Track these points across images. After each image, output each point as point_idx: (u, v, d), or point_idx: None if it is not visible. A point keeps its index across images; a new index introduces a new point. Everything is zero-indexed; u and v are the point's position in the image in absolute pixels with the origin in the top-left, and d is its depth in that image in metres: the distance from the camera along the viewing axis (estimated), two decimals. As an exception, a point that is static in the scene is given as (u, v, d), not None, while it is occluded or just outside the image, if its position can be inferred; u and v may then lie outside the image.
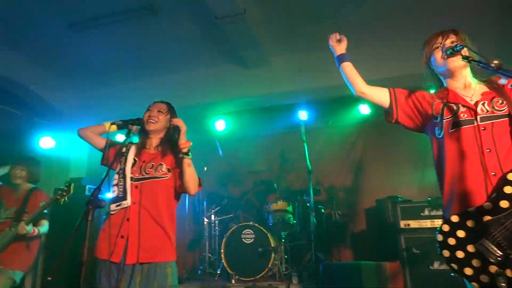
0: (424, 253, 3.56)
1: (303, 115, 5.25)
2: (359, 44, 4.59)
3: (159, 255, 1.94)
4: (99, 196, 1.77)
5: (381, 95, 1.85)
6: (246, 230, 4.43)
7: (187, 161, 2.02)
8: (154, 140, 2.20)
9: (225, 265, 4.33)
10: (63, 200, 2.90)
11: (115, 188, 2.05)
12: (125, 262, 1.88)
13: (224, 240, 4.44)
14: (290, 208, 4.65)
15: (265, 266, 4.19)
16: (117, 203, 2.00)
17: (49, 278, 2.83)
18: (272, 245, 4.28)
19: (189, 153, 2.04)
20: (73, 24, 4.14)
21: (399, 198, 4.15)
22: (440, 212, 3.51)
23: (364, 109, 5.25)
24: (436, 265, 3.48)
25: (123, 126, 2.19)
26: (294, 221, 4.62)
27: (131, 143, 2.23)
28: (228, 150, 5.59)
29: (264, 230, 4.37)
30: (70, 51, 4.70)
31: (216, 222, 5.02)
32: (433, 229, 3.56)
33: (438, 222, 3.58)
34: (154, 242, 1.94)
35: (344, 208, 5.11)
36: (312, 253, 4.27)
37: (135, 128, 2.18)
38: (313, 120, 5.37)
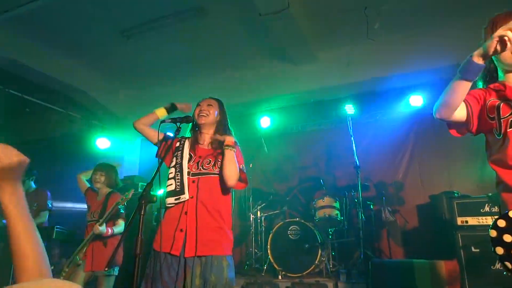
0: (485, 252, 3.32)
1: (350, 109, 5.11)
2: (408, 33, 4.44)
3: (216, 248, 1.97)
4: (151, 191, 1.86)
5: (461, 112, 1.53)
6: (292, 226, 4.42)
7: (230, 152, 2.05)
8: (207, 135, 2.23)
9: (272, 260, 4.34)
10: (123, 204, 3.14)
11: (172, 181, 2.10)
12: (184, 255, 1.93)
13: (270, 236, 4.46)
14: (337, 205, 4.56)
15: (312, 262, 4.15)
16: (176, 197, 2.06)
17: (106, 268, 3.03)
18: (319, 242, 4.23)
19: (234, 145, 2.08)
20: (125, 30, 4.38)
21: (456, 194, 3.90)
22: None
23: (415, 101, 5.00)
24: (498, 265, 3.23)
25: (171, 109, 2.33)
26: (341, 218, 4.53)
27: (184, 137, 2.29)
28: (274, 147, 5.60)
29: (310, 227, 4.33)
30: (123, 56, 4.98)
31: (262, 218, 5.06)
32: (494, 227, 3.32)
33: (499, 220, 3.32)
34: (211, 236, 1.98)
35: (394, 204, 4.91)
36: (361, 251, 4.16)
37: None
38: (361, 114, 5.21)
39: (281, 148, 5.73)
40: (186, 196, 2.03)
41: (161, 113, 2.30)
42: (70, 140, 6.06)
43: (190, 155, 2.17)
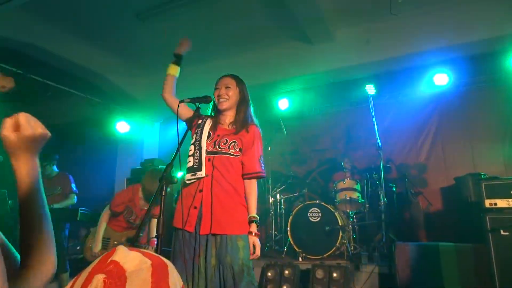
0: (515, 235, 3.20)
1: (370, 89, 4.95)
2: (433, 7, 4.22)
3: (231, 227, 1.95)
4: (171, 173, 1.84)
5: None
6: (313, 208, 4.37)
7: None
8: (228, 116, 2.19)
9: (292, 242, 4.33)
10: None
11: (191, 158, 2.10)
12: (199, 232, 1.93)
13: (290, 218, 4.44)
14: (358, 187, 4.49)
15: (333, 245, 4.12)
16: (193, 173, 2.05)
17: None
18: (340, 224, 4.18)
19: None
20: (139, 12, 4.32)
21: (483, 175, 3.75)
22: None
23: (440, 79, 4.79)
24: (529, 249, 3.12)
25: (178, 60, 2.37)
26: (363, 200, 4.46)
27: (207, 116, 2.25)
28: (292, 129, 5.52)
29: (331, 209, 4.28)
30: (139, 39, 4.94)
31: (282, 200, 5.03)
32: (525, 210, 3.18)
33: (531, 202, 3.18)
34: (225, 215, 1.96)
35: (417, 186, 4.79)
36: (383, 233, 4.09)
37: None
38: (382, 94, 5.05)
39: (300, 130, 5.64)
40: (202, 173, 2.02)
41: (173, 70, 2.30)
42: (90, 124, 6.14)
43: (209, 133, 2.14)
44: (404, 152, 5.03)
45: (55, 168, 4.40)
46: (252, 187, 2.12)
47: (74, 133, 6.10)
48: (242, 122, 2.12)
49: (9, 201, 3.71)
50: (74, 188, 4.40)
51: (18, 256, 0.81)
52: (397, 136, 4.94)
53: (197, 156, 2.06)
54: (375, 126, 4.42)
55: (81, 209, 4.08)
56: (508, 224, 3.26)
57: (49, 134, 0.86)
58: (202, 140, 2.10)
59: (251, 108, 2.23)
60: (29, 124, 0.82)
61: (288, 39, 4.86)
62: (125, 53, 5.39)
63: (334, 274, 3.74)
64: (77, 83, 5.53)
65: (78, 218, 4.01)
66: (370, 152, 4.52)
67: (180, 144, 1.99)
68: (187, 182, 2.07)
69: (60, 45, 4.79)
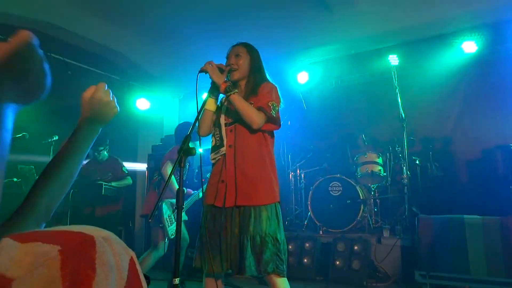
0: (546, 207, 3.09)
1: (394, 59, 4.76)
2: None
3: (255, 198, 1.90)
4: (190, 144, 1.83)
5: None
6: (334, 182, 4.33)
7: (232, 98, 1.91)
8: (242, 86, 2.13)
9: (312, 216, 4.33)
10: None
11: (213, 138, 2.09)
12: (225, 205, 1.92)
13: (311, 192, 4.42)
14: (380, 160, 4.40)
15: (354, 218, 4.09)
16: (216, 151, 2.04)
17: (150, 220, 3.15)
18: (361, 198, 4.14)
19: (230, 89, 1.91)
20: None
21: (512, 147, 3.60)
22: None
23: (469, 47, 4.55)
24: (561, 221, 3.00)
25: (214, 90, 2.06)
26: (385, 174, 4.37)
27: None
28: (312, 103, 5.41)
29: (352, 183, 4.23)
30: (156, 16, 4.88)
31: (302, 175, 5.00)
32: (558, 181, 3.05)
33: None
34: (249, 186, 1.92)
35: (442, 160, 4.64)
36: (406, 207, 4.02)
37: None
38: (406, 65, 4.84)
39: (320, 104, 5.51)
40: (224, 149, 1.98)
41: (212, 105, 2.07)
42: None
43: (226, 108, 2.10)
44: (428, 124, 4.85)
45: (106, 153, 4.52)
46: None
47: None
48: (253, 88, 2.04)
49: (37, 177, 3.83)
50: (126, 170, 4.54)
51: None
52: (421, 108, 4.76)
53: (217, 134, 2.04)
54: (399, 97, 4.27)
55: (105, 184, 4.18)
56: (539, 196, 3.14)
57: (117, 110, 0.94)
58: (221, 116, 2.07)
59: (266, 75, 2.13)
60: (102, 90, 0.92)
61: (306, 8, 4.67)
62: (142, 30, 5.36)
63: (355, 247, 3.74)
64: (96, 61, 5.56)
65: (103, 193, 4.12)
66: (393, 125, 4.39)
67: (198, 115, 1.98)
68: (213, 161, 2.06)
69: (78, 23, 4.79)
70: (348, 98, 5.34)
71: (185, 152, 1.76)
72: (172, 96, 6.61)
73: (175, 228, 3.35)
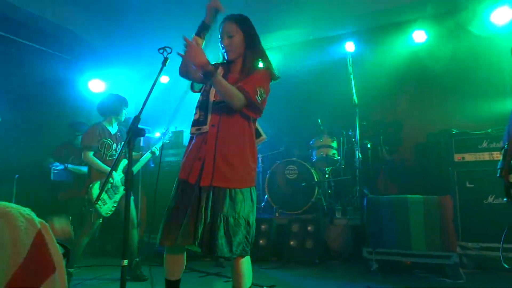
0: (478, 187, 3.36)
1: (350, 46, 4.90)
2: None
3: (232, 181, 1.88)
4: (139, 125, 1.80)
5: None
6: (290, 166, 4.44)
7: (214, 81, 1.86)
8: (238, 63, 2.06)
9: (269, 199, 4.43)
10: None
11: (197, 110, 2.02)
12: (199, 184, 1.88)
13: (267, 176, 4.50)
14: (334, 144, 4.55)
15: (309, 200, 4.24)
16: (197, 127, 1.99)
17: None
18: (316, 180, 4.28)
19: (212, 73, 1.84)
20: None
21: (453, 131, 3.85)
22: (500, 145, 3.22)
23: (419, 37, 4.78)
24: (490, 199, 3.29)
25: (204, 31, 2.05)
26: (338, 157, 4.54)
27: (217, 63, 2.12)
28: (271, 88, 5.43)
29: (307, 166, 4.35)
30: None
31: (260, 158, 5.07)
32: (490, 162, 3.32)
33: (497, 155, 3.31)
34: (228, 168, 1.90)
35: (392, 144, 4.89)
36: (357, 188, 4.22)
37: None
38: (361, 51, 5.00)
39: (276, 88, 5.54)
40: (206, 128, 1.95)
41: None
42: (61, 83, 5.88)
43: None
44: (381, 110, 5.08)
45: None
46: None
47: (44, 93, 5.82)
48: (250, 69, 2.00)
49: None
50: None
51: None
52: (375, 93, 4.94)
53: (203, 108, 1.99)
54: (352, 83, 4.41)
55: (54, 170, 4.02)
56: (474, 177, 3.41)
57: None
58: (211, 91, 2.01)
59: (261, 48, 2.10)
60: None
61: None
62: (95, 6, 5.08)
63: (309, 228, 3.89)
64: (44, 39, 5.21)
65: (52, 177, 3.96)
66: (348, 110, 4.54)
67: (147, 98, 1.92)
68: (192, 135, 2.01)
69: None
70: (306, 83, 5.43)
71: (134, 132, 1.74)
72: (129, 77, 6.38)
73: (110, 206, 3.33)
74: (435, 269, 3.18)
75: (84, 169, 4.16)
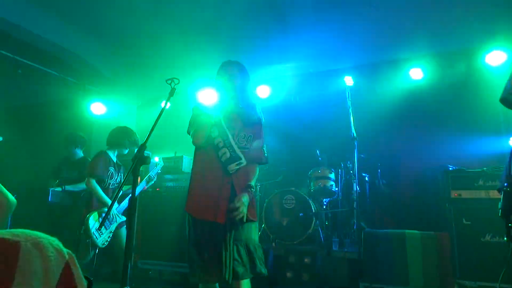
0: (475, 224, 3.38)
1: (349, 80, 5.03)
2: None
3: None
4: (146, 152, 1.83)
5: None
6: (288, 195, 4.45)
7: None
8: (235, 103, 2.40)
9: (266, 228, 4.40)
10: None
11: (225, 150, 2.29)
12: (218, 220, 2.21)
13: (265, 204, 4.50)
14: (332, 175, 4.58)
15: (306, 231, 4.21)
16: (237, 163, 2.29)
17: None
18: (313, 211, 4.28)
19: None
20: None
21: (450, 167, 3.91)
22: (497, 183, 3.27)
23: (416, 74, 4.93)
24: (487, 237, 3.30)
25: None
26: (336, 189, 4.56)
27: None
28: (270, 117, 5.52)
29: (305, 196, 4.36)
30: (114, 19, 4.78)
31: (257, 187, 5.07)
32: (487, 200, 3.36)
33: (493, 193, 3.35)
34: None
35: (389, 177, 4.93)
36: (354, 221, 4.21)
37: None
38: (360, 86, 5.13)
39: (278, 118, 5.66)
40: (243, 161, 2.28)
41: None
42: (63, 105, 5.95)
43: (230, 126, 2.36)
44: (379, 143, 5.14)
45: (80, 152, 4.45)
46: (255, 169, 2.38)
47: (46, 114, 5.89)
48: (248, 119, 2.38)
49: None
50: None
51: None
52: (373, 127, 5.03)
53: (230, 147, 2.28)
54: (351, 117, 4.50)
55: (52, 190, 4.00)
56: (471, 214, 3.44)
57: None
58: (226, 131, 2.31)
59: (252, 97, 2.49)
60: None
61: (268, 24, 4.81)
62: (101, 32, 5.22)
63: (305, 259, 3.85)
64: (51, 61, 5.32)
65: (50, 199, 3.94)
66: (345, 142, 4.60)
67: (153, 126, 1.98)
68: (231, 171, 2.26)
69: (33, 20, 4.59)
70: (305, 114, 5.53)
71: (139, 160, 1.77)
72: (130, 103, 6.48)
73: (106, 237, 3.31)
74: (433, 307, 3.14)
75: (81, 186, 4.15)
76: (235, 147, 2.29)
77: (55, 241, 0.55)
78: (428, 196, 4.43)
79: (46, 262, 0.52)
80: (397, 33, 4.60)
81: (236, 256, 2.12)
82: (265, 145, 2.45)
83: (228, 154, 2.27)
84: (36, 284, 0.48)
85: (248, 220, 2.21)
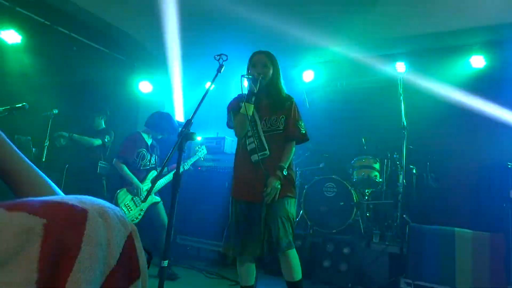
0: (537, 228, 3.10)
1: (401, 66, 4.76)
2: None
3: (280, 193, 2.33)
4: (190, 129, 1.82)
5: None
6: (329, 183, 4.33)
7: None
8: (267, 92, 2.42)
9: (304, 215, 4.33)
10: None
11: (251, 139, 2.36)
12: (255, 200, 2.35)
13: (304, 191, 4.42)
14: (377, 166, 4.39)
15: (346, 220, 4.09)
16: (261, 153, 2.33)
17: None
18: (355, 201, 4.14)
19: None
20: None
21: (510, 165, 3.60)
22: None
23: (477, 62, 4.55)
24: (550, 243, 3.02)
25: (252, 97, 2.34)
26: (380, 179, 4.37)
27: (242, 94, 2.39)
28: (315, 102, 5.40)
29: (347, 185, 4.23)
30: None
31: (298, 173, 4.99)
32: (552, 203, 3.06)
33: (560, 195, 3.04)
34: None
35: (439, 171, 4.64)
36: (398, 214, 4.03)
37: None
38: (412, 72, 4.84)
39: (323, 104, 5.50)
40: (267, 152, 2.34)
41: (250, 111, 2.33)
42: (113, 82, 6.15)
43: (259, 116, 2.42)
44: (429, 135, 4.84)
45: (102, 122, 4.55)
46: (291, 147, 2.42)
47: (97, 90, 6.12)
48: (280, 102, 2.41)
49: (33, 149, 3.81)
50: (106, 137, 4.38)
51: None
52: (425, 117, 4.74)
53: (256, 138, 2.36)
54: (402, 105, 4.26)
55: (100, 162, 4.17)
56: (532, 216, 3.15)
57: None
58: (257, 124, 2.37)
59: (283, 88, 2.49)
60: None
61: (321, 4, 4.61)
62: (150, 11, 5.29)
63: (344, 249, 3.76)
64: (103, 39, 5.50)
65: (98, 171, 4.11)
66: (393, 132, 4.38)
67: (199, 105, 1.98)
68: (253, 160, 2.32)
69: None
70: (352, 101, 5.32)
71: (185, 136, 1.76)
72: (176, 81, 6.57)
73: (136, 213, 3.40)
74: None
75: (89, 140, 4.18)
76: (263, 138, 2.35)
77: (120, 211, 0.52)
78: (482, 194, 4.12)
79: (111, 233, 0.49)
80: (456, 17, 4.24)
81: (276, 230, 2.22)
82: (302, 121, 2.44)
83: (253, 145, 2.35)
84: (100, 254, 0.45)
85: (286, 197, 2.31)
